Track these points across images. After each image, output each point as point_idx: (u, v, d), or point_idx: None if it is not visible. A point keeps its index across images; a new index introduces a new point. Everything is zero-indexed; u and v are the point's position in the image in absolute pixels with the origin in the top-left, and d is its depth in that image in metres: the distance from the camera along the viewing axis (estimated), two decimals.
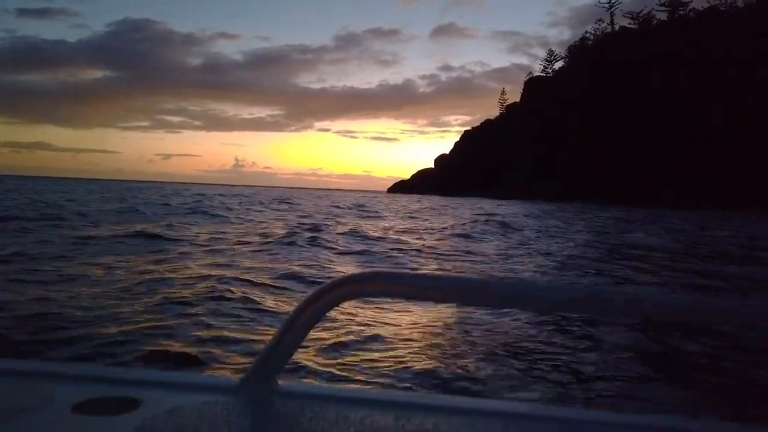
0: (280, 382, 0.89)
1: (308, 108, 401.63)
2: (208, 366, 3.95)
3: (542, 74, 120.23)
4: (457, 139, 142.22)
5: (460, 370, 4.09)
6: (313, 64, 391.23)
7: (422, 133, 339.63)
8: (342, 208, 36.07)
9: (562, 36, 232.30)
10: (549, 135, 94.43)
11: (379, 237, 15.08)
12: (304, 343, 4.20)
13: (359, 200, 60.83)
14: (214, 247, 10.81)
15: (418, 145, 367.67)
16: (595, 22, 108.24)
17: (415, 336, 4.98)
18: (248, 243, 11.82)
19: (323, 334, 4.65)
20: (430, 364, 4.20)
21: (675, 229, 24.43)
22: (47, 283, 6.41)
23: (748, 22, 74.60)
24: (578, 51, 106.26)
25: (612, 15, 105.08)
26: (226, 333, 4.72)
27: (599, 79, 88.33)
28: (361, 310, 5.66)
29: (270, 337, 0.87)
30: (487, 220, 23.28)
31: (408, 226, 20.85)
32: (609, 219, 31.75)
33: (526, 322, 5.47)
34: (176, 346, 4.30)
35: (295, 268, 8.46)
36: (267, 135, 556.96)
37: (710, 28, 79.32)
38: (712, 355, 4.70)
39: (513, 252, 12.72)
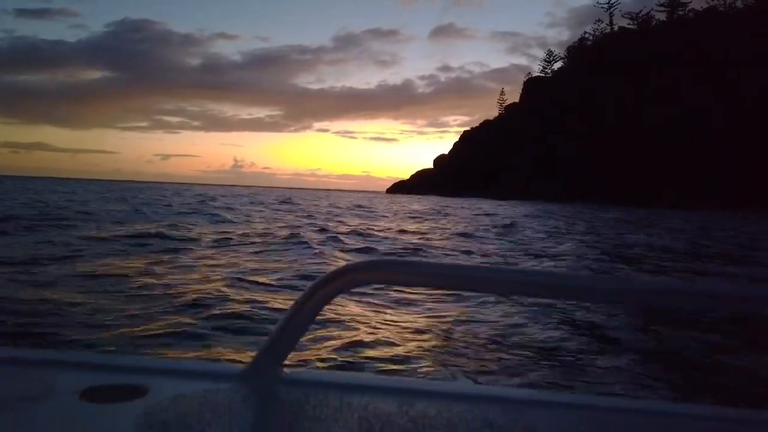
0: (285, 369, 0.89)
1: (307, 108, 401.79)
2: (213, 354, 4.03)
3: (541, 75, 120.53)
4: (456, 139, 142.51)
5: (461, 358, 4.21)
6: (312, 64, 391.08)
7: (421, 133, 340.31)
8: (341, 208, 36.11)
9: (561, 36, 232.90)
10: (548, 135, 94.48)
11: (384, 237, 15.33)
12: (310, 337, 4.26)
13: (359, 200, 60.81)
14: (221, 248, 10.85)
15: (417, 146, 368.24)
16: (594, 23, 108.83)
17: (418, 326, 5.04)
18: (253, 243, 11.85)
19: (323, 333, 4.69)
20: (432, 352, 4.31)
21: (675, 229, 24.48)
22: (50, 285, 6.43)
23: (748, 23, 74.79)
24: (577, 51, 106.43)
25: (611, 15, 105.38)
26: (234, 327, 4.80)
27: (598, 79, 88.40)
28: (359, 305, 5.69)
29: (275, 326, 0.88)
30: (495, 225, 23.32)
31: (417, 227, 20.89)
32: (609, 219, 31.81)
33: (525, 314, 5.56)
34: (182, 337, 4.43)
35: (306, 268, 8.52)
36: (266, 135, 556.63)
37: (709, 28, 79.48)
38: (703, 340, 4.82)
39: (512, 253, 12.77)
